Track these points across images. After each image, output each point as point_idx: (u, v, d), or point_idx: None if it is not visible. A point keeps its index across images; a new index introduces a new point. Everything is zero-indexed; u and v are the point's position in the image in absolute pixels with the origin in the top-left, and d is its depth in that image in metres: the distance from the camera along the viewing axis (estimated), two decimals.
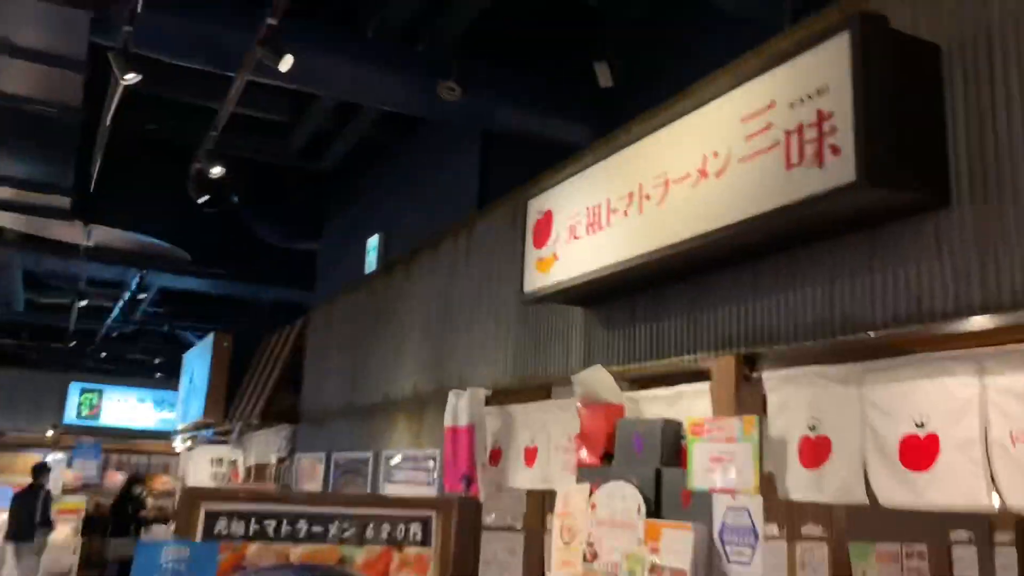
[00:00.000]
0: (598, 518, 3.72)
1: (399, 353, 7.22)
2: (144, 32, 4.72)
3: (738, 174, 3.07)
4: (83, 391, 19.70)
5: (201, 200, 6.93)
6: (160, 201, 9.54)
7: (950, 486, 2.62)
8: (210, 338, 12.93)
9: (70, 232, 9.13)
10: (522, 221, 5.17)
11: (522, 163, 6.44)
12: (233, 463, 9.76)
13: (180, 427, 15.16)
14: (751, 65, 3.21)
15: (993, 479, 2.56)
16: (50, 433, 18.78)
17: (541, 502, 5.86)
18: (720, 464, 3.27)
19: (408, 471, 6.53)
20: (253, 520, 3.27)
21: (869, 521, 4.99)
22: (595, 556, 3.35)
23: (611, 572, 3.22)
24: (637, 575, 3.10)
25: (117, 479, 16.89)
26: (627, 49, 5.90)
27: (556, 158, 6.00)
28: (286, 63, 4.40)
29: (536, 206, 4.50)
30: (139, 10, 4.12)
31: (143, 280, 11.43)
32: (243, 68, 4.76)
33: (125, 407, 20.01)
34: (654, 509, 3.43)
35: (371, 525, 3.46)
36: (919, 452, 2.74)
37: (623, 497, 3.63)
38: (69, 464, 16.61)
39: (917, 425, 2.76)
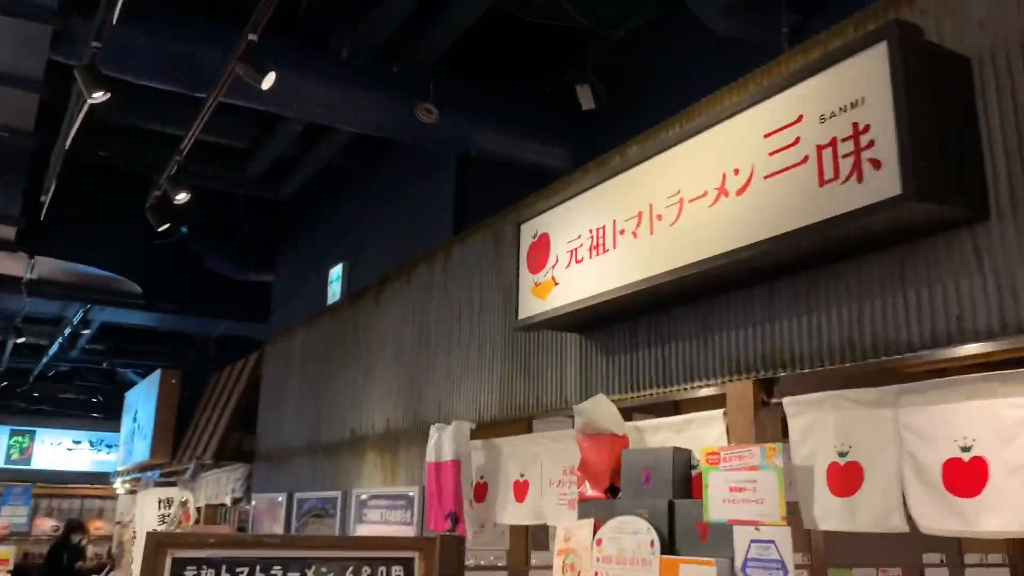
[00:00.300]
0: (604, 554, 3.55)
1: (368, 386, 6.95)
2: (108, 50, 4.45)
3: (762, 191, 2.97)
4: (12, 434, 18.82)
5: (161, 228, 6.60)
6: (107, 231, 9.12)
7: (1003, 512, 2.52)
8: (155, 375, 12.40)
9: (11, 264, 8.62)
10: (512, 245, 5.02)
11: (500, 188, 6.32)
12: (184, 504, 9.28)
13: (121, 468, 14.49)
14: (772, 80, 3.12)
15: None
16: None
17: (525, 538, 5.65)
18: (741, 494, 3.14)
19: (382, 510, 6.24)
20: (224, 567, 3.06)
21: (845, 546, 4.97)
22: None
23: None
24: None
25: (47, 526, 16.11)
26: (606, 72, 5.83)
27: (534, 182, 5.90)
28: (269, 80, 4.19)
29: (530, 229, 4.35)
30: (115, 22, 3.86)
31: (86, 315, 10.89)
32: (217, 87, 4.53)
33: (59, 449, 19.14)
34: (668, 544, 3.29)
35: (351, 569, 3.31)
36: (965, 477, 2.63)
37: (634, 532, 3.47)
38: None
39: (962, 449, 2.66)
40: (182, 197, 5.89)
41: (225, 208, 9.44)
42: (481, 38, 5.66)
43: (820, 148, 2.77)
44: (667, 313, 3.81)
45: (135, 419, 13.32)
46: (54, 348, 12.92)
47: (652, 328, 3.94)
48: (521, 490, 4.81)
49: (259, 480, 9.24)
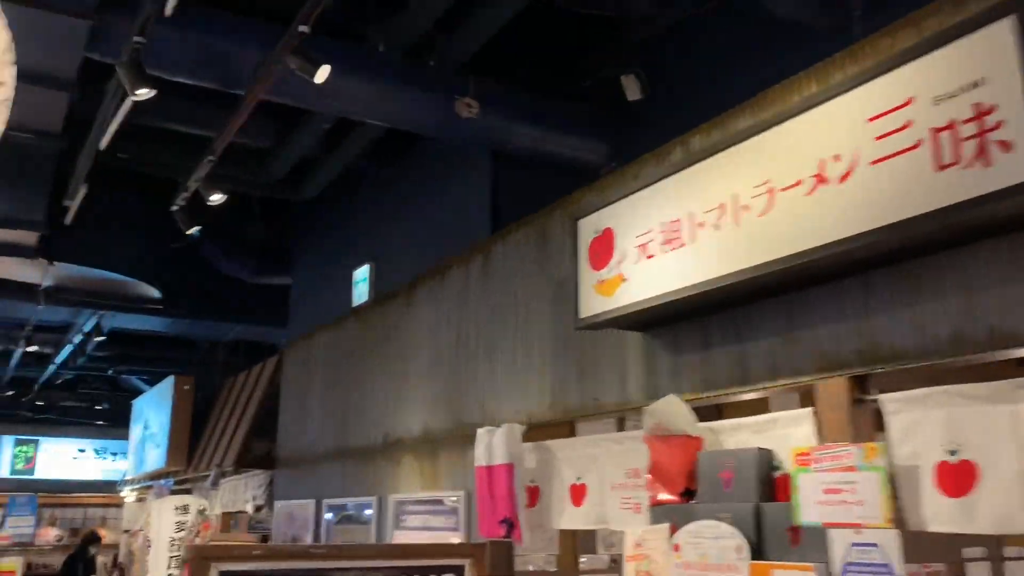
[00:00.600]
0: (685, 560, 3.40)
1: (401, 389, 6.79)
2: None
3: (868, 178, 2.83)
4: (18, 443, 18.61)
5: (190, 231, 6.42)
6: (123, 235, 8.92)
7: None
8: (166, 382, 12.21)
9: (26, 271, 8.41)
10: (561, 242, 4.87)
11: (535, 184, 6.17)
12: (202, 512, 9.11)
13: (131, 476, 14.29)
14: (873, 62, 2.98)
15: None
16: None
17: (573, 541, 5.50)
18: (837, 496, 3.01)
19: (424, 515, 6.08)
20: None
21: None
22: None
23: None
24: None
25: (51, 535, 15.90)
26: (646, 63, 5.69)
27: (570, 177, 5.75)
28: (323, 73, 4.03)
29: (590, 225, 4.19)
30: (168, 12, 3.69)
31: (99, 322, 10.67)
32: (258, 83, 4.36)
33: (63, 458, 18.95)
34: (755, 549, 3.15)
35: None
36: None
37: (716, 537, 3.33)
38: (1, 523, 15.50)
39: None
40: (217, 198, 5.73)
41: (241, 211, 9.24)
42: (515, 33, 5.50)
43: (936, 131, 2.63)
44: (745, 309, 3.67)
45: (146, 427, 13.12)
46: (62, 355, 12.69)
47: (727, 325, 3.78)
48: (579, 494, 4.67)
49: (282, 486, 9.06)
